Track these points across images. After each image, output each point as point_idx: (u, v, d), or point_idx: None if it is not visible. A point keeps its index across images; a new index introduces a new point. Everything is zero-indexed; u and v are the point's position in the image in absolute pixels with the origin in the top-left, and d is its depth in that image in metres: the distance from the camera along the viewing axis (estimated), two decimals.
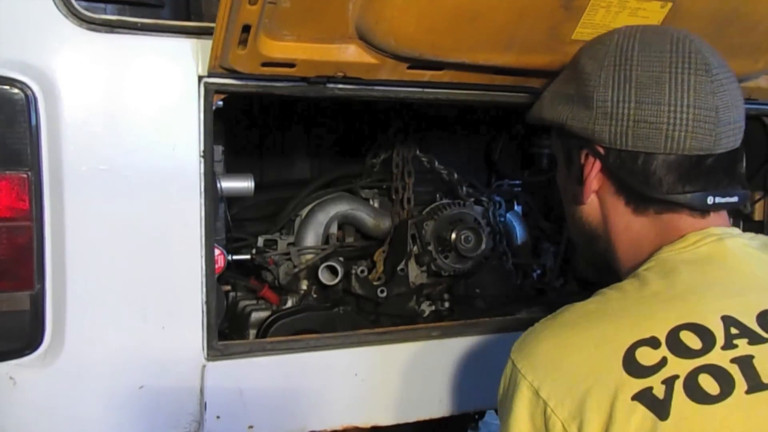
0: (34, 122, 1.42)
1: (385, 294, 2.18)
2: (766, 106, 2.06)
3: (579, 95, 1.25)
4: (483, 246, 2.25)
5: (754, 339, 1.02)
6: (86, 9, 1.45)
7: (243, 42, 1.39)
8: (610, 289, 1.16)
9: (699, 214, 1.18)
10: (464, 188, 2.40)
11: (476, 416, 2.96)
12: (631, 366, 1.00)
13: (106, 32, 1.46)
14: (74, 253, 1.48)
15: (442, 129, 2.63)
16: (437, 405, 1.79)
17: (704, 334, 1.02)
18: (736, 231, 1.20)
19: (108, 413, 1.55)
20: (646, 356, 1.01)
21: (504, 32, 1.51)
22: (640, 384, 0.99)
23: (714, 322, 1.03)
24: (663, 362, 1.00)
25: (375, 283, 2.22)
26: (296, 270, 2.20)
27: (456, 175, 2.40)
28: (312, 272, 2.19)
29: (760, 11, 1.60)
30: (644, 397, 0.98)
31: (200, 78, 1.53)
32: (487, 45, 1.53)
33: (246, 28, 1.35)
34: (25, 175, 1.42)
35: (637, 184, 1.19)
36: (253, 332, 2.05)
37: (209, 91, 1.53)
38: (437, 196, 2.38)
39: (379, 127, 2.44)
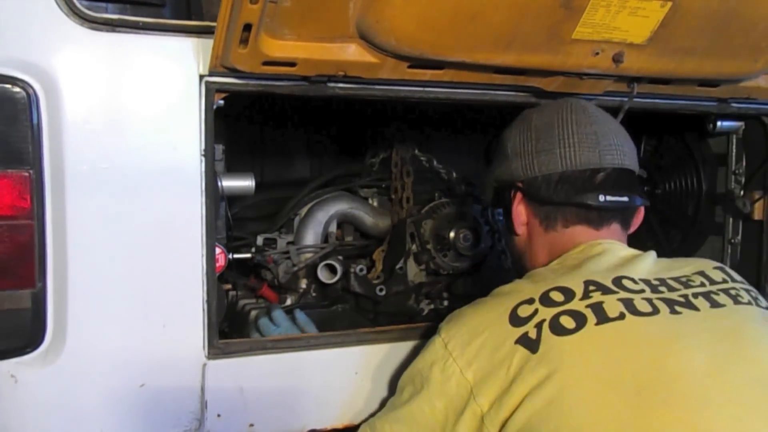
0: (35, 121, 1.42)
1: (384, 292, 2.18)
2: (766, 106, 2.07)
3: (500, 156, 1.65)
4: (482, 244, 2.26)
5: (606, 291, 1.35)
6: (88, 8, 1.44)
7: (244, 41, 1.39)
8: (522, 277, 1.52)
9: (594, 228, 1.54)
10: (463, 187, 2.40)
11: None
12: (514, 320, 1.35)
13: (108, 31, 1.46)
14: (75, 252, 1.48)
15: (442, 128, 2.63)
16: None
17: (567, 292, 1.36)
18: (622, 246, 1.54)
19: (109, 411, 1.55)
20: (524, 311, 1.35)
21: (504, 31, 1.51)
22: (519, 331, 1.32)
23: (576, 284, 1.37)
24: (535, 312, 1.34)
25: (374, 281, 2.23)
26: (295, 268, 2.21)
27: (455, 174, 2.40)
28: (311, 271, 2.19)
29: (760, 11, 1.60)
30: (522, 340, 1.31)
31: (201, 77, 1.53)
32: (487, 44, 1.54)
33: (247, 27, 1.36)
34: (26, 174, 1.42)
35: (547, 198, 1.55)
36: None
37: (210, 90, 1.53)
38: (436, 194, 2.39)
39: (379, 127, 2.44)
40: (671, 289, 1.41)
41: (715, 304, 1.39)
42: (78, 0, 1.43)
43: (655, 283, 1.42)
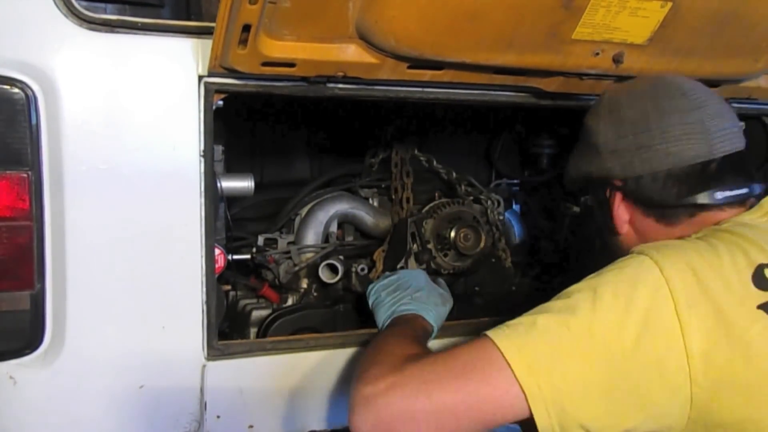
0: (34, 122, 1.42)
1: None
2: (766, 106, 2.07)
3: (589, 148, 1.49)
4: (482, 244, 2.25)
5: None
6: (86, 9, 1.44)
7: (243, 42, 1.39)
8: (706, 238, 1.29)
9: (729, 207, 1.36)
10: (463, 187, 2.40)
11: None
12: (760, 282, 1.17)
13: (107, 32, 1.46)
14: (74, 253, 1.48)
15: (442, 129, 2.63)
16: None
17: None
18: None
19: (108, 413, 1.55)
20: None
21: (504, 32, 1.51)
22: (765, 296, 1.15)
23: None
24: None
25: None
26: (296, 268, 2.20)
27: (455, 174, 2.40)
28: (312, 271, 2.19)
29: (760, 11, 1.60)
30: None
31: (200, 78, 1.52)
32: (487, 44, 1.53)
33: (246, 28, 1.35)
34: (25, 175, 1.41)
35: (657, 201, 1.39)
36: (253, 330, 2.06)
37: (209, 91, 1.53)
38: (436, 194, 2.38)
39: (379, 127, 2.44)
40: None
41: None
42: (77, 1, 1.43)
43: None
